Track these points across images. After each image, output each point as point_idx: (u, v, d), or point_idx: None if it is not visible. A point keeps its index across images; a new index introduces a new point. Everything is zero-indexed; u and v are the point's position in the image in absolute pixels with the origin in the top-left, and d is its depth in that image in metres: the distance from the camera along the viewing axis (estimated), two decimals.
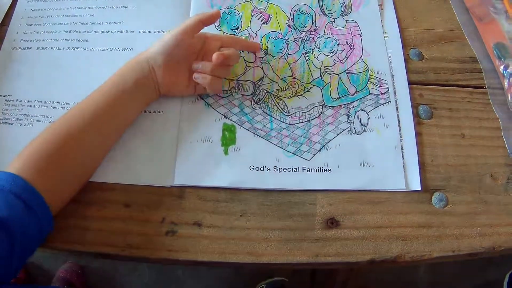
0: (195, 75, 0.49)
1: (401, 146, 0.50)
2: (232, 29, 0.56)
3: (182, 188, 0.47)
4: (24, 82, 0.55)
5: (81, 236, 0.45)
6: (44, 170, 0.41)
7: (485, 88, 0.56)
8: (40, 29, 0.59)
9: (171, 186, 0.47)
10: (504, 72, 0.57)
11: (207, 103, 0.52)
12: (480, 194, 0.49)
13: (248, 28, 0.56)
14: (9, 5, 0.62)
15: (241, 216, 0.47)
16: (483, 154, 0.51)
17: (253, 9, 0.57)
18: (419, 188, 0.48)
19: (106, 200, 0.47)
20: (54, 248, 0.44)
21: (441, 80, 0.56)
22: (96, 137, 0.46)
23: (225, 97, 0.52)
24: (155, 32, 0.57)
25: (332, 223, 0.46)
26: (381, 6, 0.59)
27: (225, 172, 0.48)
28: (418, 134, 0.52)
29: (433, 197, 0.48)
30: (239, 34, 0.56)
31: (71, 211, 0.45)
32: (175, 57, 0.48)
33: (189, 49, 0.49)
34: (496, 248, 0.46)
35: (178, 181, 0.47)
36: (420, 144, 0.51)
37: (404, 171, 0.49)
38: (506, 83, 0.57)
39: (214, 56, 0.46)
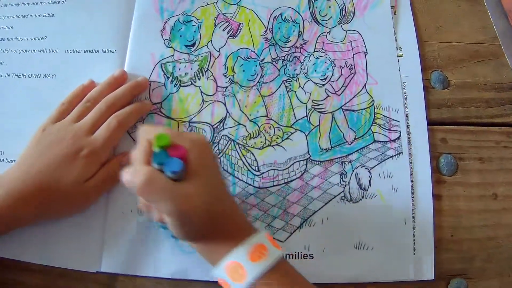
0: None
1: (413, 218, 0.37)
2: (186, 45, 0.40)
3: (112, 276, 0.37)
4: None
5: None
6: None
7: None
8: None
9: (98, 272, 0.37)
10: None
11: None
12: (511, 277, 0.38)
13: (209, 44, 0.40)
14: None
15: None
16: None
17: (218, 16, 0.41)
18: (432, 278, 0.37)
19: (21, 283, 0.38)
20: None
21: (471, 116, 0.42)
22: None
23: None
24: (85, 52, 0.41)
25: None
26: (394, 9, 0.43)
27: (166, 259, 0.36)
28: (436, 197, 0.39)
29: (449, 286, 0.38)
30: (196, 53, 0.40)
31: None
32: None
33: None
34: None
35: (106, 267, 0.36)
36: (438, 213, 0.38)
37: (414, 253, 0.36)
38: None
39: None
